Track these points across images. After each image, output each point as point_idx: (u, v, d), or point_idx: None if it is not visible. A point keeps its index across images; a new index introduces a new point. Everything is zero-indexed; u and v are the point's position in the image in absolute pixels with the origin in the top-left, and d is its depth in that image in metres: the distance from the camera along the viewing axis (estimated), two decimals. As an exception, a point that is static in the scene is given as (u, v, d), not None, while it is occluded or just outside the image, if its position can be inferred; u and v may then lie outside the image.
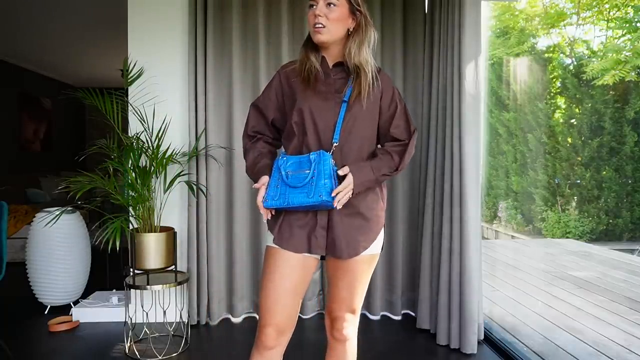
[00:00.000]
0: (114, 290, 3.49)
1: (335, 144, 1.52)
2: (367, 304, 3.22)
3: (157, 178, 2.87)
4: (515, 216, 8.59)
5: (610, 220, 7.71)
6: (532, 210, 8.31)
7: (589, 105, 7.74)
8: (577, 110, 8.01)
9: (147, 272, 2.74)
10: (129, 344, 2.73)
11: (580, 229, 7.69)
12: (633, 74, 7.12)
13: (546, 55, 8.46)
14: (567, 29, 8.38)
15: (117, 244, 2.47)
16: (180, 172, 2.93)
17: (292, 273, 1.54)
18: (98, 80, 7.76)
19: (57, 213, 3.02)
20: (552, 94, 8.37)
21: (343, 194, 1.47)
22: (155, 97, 3.05)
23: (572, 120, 8.08)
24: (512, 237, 8.29)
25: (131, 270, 2.73)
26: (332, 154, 1.51)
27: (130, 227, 2.78)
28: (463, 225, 2.63)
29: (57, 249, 3.23)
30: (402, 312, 3.29)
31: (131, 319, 2.81)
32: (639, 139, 7.48)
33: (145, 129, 2.88)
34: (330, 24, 1.51)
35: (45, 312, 3.30)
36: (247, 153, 1.68)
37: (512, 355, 2.67)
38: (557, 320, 3.61)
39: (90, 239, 3.48)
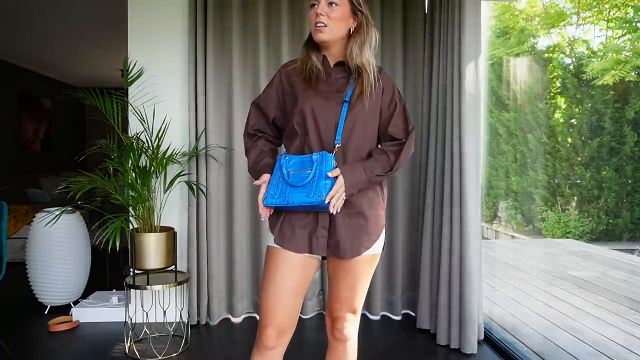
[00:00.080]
0: (114, 290, 3.49)
1: (337, 145, 1.52)
2: (367, 304, 3.22)
3: (157, 178, 2.87)
4: (515, 216, 8.59)
5: (610, 220, 7.71)
6: (532, 210, 8.31)
7: (589, 105, 7.74)
8: (577, 110, 8.01)
9: (147, 272, 2.74)
10: (129, 344, 2.73)
11: (580, 229, 7.69)
12: (633, 74, 7.12)
13: (546, 55, 8.46)
14: (567, 29, 8.38)
15: (117, 244, 2.47)
16: (180, 172, 2.93)
17: (293, 273, 1.54)
18: (98, 80, 7.76)
19: (57, 213, 3.02)
20: (552, 94, 8.37)
21: (336, 198, 1.47)
22: (155, 97, 3.05)
23: (572, 120, 8.08)
24: (512, 237, 8.29)
25: (131, 270, 2.73)
26: (334, 155, 1.50)
27: (130, 227, 2.78)
28: (463, 225, 2.63)
29: (57, 249, 3.23)
30: (402, 312, 3.29)
31: (131, 319, 2.81)
32: (639, 139, 7.48)
33: (145, 129, 2.88)
34: (332, 23, 1.51)
35: (45, 312, 3.30)
36: (248, 152, 1.69)
37: (512, 355, 2.67)
38: (557, 320, 3.61)
39: (90, 239, 3.48)
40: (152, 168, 2.80)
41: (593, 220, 7.73)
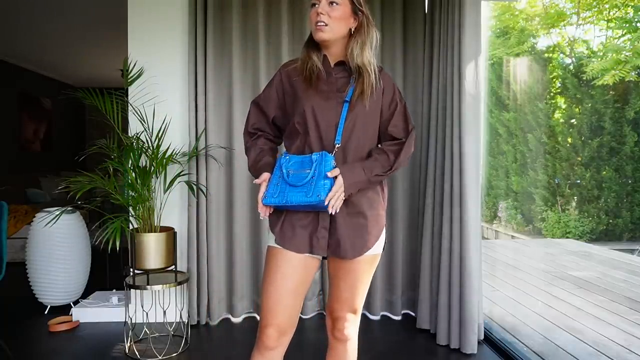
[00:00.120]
0: (114, 290, 3.49)
1: (337, 145, 1.52)
2: (367, 304, 3.22)
3: (157, 178, 2.87)
4: (515, 216, 8.59)
5: (610, 220, 7.71)
6: (532, 210, 8.31)
7: (589, 105, 7.74)
8: (577, 110, 8.02)
9: (147, 272, 2.74)
10: (129, 344, 2.73)
11: (580, 229, 7.69)
12: (633, 74, 7.13)
13: (546, 55, 8.46)
14: (567, 29, 8.38)
15: (117, 244, 2.47)
16: (180, 172, 2.93)
17: (294, 273, 1.54)
18: (98, 80, 7.76)
19: (57, 213, 3.02)
20: (552, 94, 8.37)
21: (335, 198, 1.46)
22: (155, 97, 3.05)
23: (572, 120, 8.08)
24: (512, 237, 8.29)
25: (131, 270, 2.73)
26: (334, 155, 1.50)
27: (130, 227, 2.78)
28: (463, 225, 2.63)
29: (57, 249, 3.23)
30: (402, 312, 3.29)
31: (131, 319, 2.81)
32: (639, 139, 7.48)
33: (145, 129, 2.88)
34: (332, 22, 1.51)
35: (45, 312, 3.30)
36: (248, 150, 1.69)
37: (512, 355, 2.67)
38: (557, 320, 3.61)
39: (90, 239, 3.48)
40: (152, 168, 2.80)
41: (593, 220, 7.73)
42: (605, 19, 7.98)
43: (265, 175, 1.56)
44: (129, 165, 2.77)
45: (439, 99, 2.85)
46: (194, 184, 3.00)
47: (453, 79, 2.68)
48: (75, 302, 3.34)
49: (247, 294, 3.25)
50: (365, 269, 1.61)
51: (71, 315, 3.17)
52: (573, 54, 8.27)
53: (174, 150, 2.96)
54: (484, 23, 2.73)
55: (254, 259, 3.22)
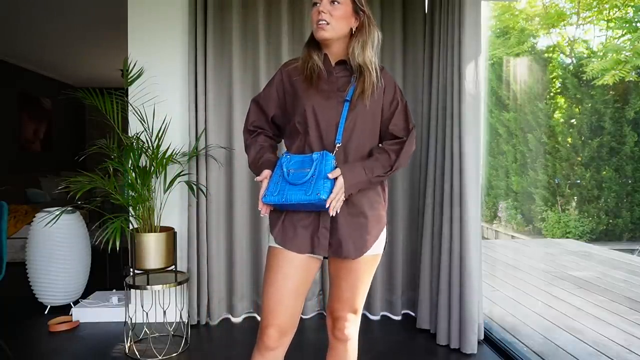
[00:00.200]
0: (114, 290, 3.49)
1: (338, 145, 1.52)
2: (367, 304, 3.22)
3: (157, 178, 2.87)
4: (515, 216, 8.59)
5: (610, 220, 7.71)
6: (532, 210, 8.31)
7: (589, 105, 7.74)
8: (577, 110, 8.02)
9: (147, 272, 2.74)
10: (129, 344, 2.73)
11: (580, 229, 7.69)
12: (633, 74, 7.13)
13: (546, 55, 8.46)
14: (567, 29, 8.38)
15: (117, 244, 2.47)
16: (180, 172, 2.93)
17: (295, 274, 1.54)
18: (98, 80, 7.76)
19: (57, 213, 3.02)
20: (552, 94, 8.37)
21: (336, 200, 1.46)
22: (155, 97, 3.05)
23: (572, 120, 8.08)
24: (512, 237, 8.29)
25: (131, 270, 2.73)
26: (334, 154, 1.50)
27: (130, 227, 2.78)
28: (463, 225, 2.63)
29: (57, 249, 3.23)
30: (402, 312, 3.29)
31: (131, 319, 2.81)
32: (639, 139, 7.48)
33: (145, 129, 2.88)
34: (334, 21, 1.52)
35: (45, 312, 3.30)
36: (248, 148, 1.69)
37: (512, 355, 2.67)
38: (557, 320, 3.61)
39: (90, 239, 3.48)
40: (152, 168, 2.80)
41: (593, 220, 7.73)
42: (605, 19, 7.98)
43: (267, 173, 1.56)
44: (129, 165, 2.77)
45: (439, 99, 2.85)
46: (194, 184, 3.00)
47: (453, 79, 2.68)
48: (75, 302, 3.34)
49: (247, 294, 3.25)
50: (366, 269, 1.61)
51: (71, 315, 3.17)
52: (573, 54, 8.28)
53: (174, 150, 2.96)
54: (484, 23, 2.73)
55: (254, 259, 3.22)
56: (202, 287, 3.10)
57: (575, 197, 8.02)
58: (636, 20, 7.63)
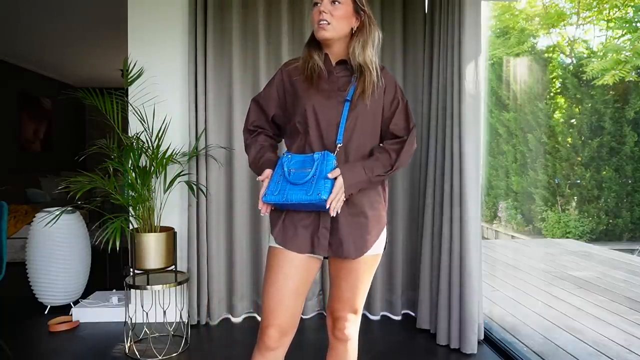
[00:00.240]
0: (114, 290, 3.49)
1: (339, 145, 1.52)
2: (367, 304, 3.22)
3: (157, 178, 2.87)
4: (515, 216, 8.59)
5: (610, 220, 7.72)
6: (532, 210, 8.31)
7: (589, 105, 7.74)
8: (577, 110, 8.02)
9: (147, 272, 2.74)
10: (129, 344, 2.73)
11: (580, 229, 7.69)
12: (633, 74, 7.13)
13: (546, 55, 8.46)
14: (567, 29, 8.39)
15: (117, 244, 2.47)
16: (180, 172, 2.93)
17: (296, 274, 1.53)
18: (98, 80, 7.76)
19: (57, 213, 3.02)
20: (552, 94, 8.37)
21: (336, 200, 1.46)
22: (155, 97, 3.05)
23: (572, 120, 8.08)
24: (512, 237, 8.29)
25: (131, 270, 2.73)
26: (335, 155, 1.50)
27: (130, 227, 2.78)
28: (463, 225, 2.63)
29: (57, 249, 3.23)
30: (402, 312, 3.29)
31: (131, 319, 2.81)
32: (639, 139, 7.48)
33: (145, 129, 2.88)
34: (335, 21, 1.52)
35: (45, 312, 3.30)
36: (248, 148, 1.69)
37: (512, 355, 2.67)
38: (557, 320, 3.61)
39: (90, 239, 3.48)
40: (152, 168, 2.80)
41: (593, 220, 7.73)
42: (605, 19, 7.98)
43: (268, 172, 1.56)
44: (129, 165, 2.77)
45: (439, 99, 2.85)
46: (194, 184, 3.00)
47: (453, 79, 2.68)
48: (75, 302, 3.34)
49: (247, 294, 3.25)
50: (366, 269, 1.61)
51: (71, 315, 3.17)
52: (573, 54, 8.28)
53: (174, 150, 2.96)
54: (484, 23, 2.73)
55: (254, 259, 3.22)
56: (202, 287, 3.10)
57: (575, 197, 8.03)
58: (636, 20, 7.63)
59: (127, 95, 2.95)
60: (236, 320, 3.21)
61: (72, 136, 8.39)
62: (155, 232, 2.73)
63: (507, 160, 8.57)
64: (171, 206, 3.04)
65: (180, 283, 2.74)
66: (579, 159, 7.83)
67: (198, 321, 3.12)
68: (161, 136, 2.86)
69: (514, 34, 8.32)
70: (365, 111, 1.54)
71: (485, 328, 2.87)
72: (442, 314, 2.76)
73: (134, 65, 3.00)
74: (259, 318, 3.15)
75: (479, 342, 2.72)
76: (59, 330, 3.00)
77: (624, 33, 7.78)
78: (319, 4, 1.53)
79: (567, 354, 2.99)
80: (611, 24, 7.94)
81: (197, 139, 3.03)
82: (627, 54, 7.25)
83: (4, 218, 2.55)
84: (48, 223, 3.08)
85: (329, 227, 1.54)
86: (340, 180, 1.47)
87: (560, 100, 8.34)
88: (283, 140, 1.72)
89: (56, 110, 7.65)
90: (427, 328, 2.96)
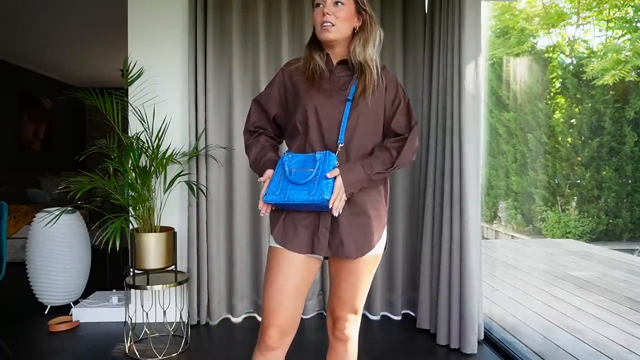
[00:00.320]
0: (114, 290, 3.49)
1: (340, 145, 1.52)
2: (367, 304, 3.21)
3: (157, 178, 2.87)
4: (515, 216, 8.59)
5: (610, 220, 7.71)
6: (532, 210, 8.31)
7: (589, 105, 7.74)
8: (577, 110, 8.02)
9: (147, 272, 2.74)
10: (129, 344, 2.73)
11: (580, 229, 7.69)
12: (633, 74, 7.13)
13: (546, 55, 8.46)
14: (567, 29, 8.39)
15: (117, 244, 2.47)
16: (180, 172, 2.93)
17: (296, 274, 1.53)
18: (98, 80, 7.76)
19: (57, 213, 3.02)
20: (552, 94, 8.37)
21: (338, 200, 1.46)
22: (155, 97, 3.05)
23: (572, 120, 8.08)
24: (512, 237, 8.29)
25: (131, 270, 2.73)
26: (337, 154, 1.50)
27: (130, 227, 2.78)
28: (463, 225, 2.63)
29: (57, 249, 3.23)
30: (402, 312, 3.29)
31: (131, 319, 2.81)
32: (639, 139, 7.48)
33: (145, 129, 2.88)
34: (339, 22, 1.52)
35: (45, 312, 3.30)
36: (249, 148, 1.68)
37: (512, 355, 2.67)
38: (557, 320, 3.61)
39: (90, 239, 3.48)
40: (152, 168, 2.80)
41: (593, 220, 7.73)
42: (605, 19, 7.98)
43: (269, 172, 1.55)
44: (129, 165, 2.77)
45: (439, 99, 2.85)
46: (194, 184, 3.00)
47: (453, 79, 2.68)
48: (75, 302, 3.34)
49: (247, 294, 3.25)
50: (366, 269, 1.61)
51: (71, 315, 3.17)
52: (573, 54, 8.28)
53: (174, 150, 2.96)
54: (484, 23, 2.73)
55: (254, 259, 3.22)
56: (202, 287, 3.10)
57: (575, 197, 8.02)
58: (636, 20, 7.63)
59: (127, 95, 2.96)
60: (236, 320, 3.21)
61: (72, 136, 8.39)
62: (155, 232, 2.73)
63: (507, 160, 8.57)
64: (171, 206, 3.04)
65: (180, 283, 2.74)
66: (579, 159, 7.83)
67: (198, 321, 3.12)
68: (161, 136, 2.86)
69: (514, 34, 8.32)
70: (366, 110, 1.54)
71: (485, 328, 2.87)
72: (442, 314, 2.76)
73: (134, 65, 3.00)
74: (259, 318, 3.16)
75: (479, 342, 2.72)
76: (59, 330, 3.00)
77: (624, 33, 7.78)
78: (321, 5, 1.52)
79: (567, 354, 2.99)
80: (611, 24, 7.94)
81: (197, 139, 3.03)
82: (627, 53, 7.25)
83: (4, 218, 2.55)
84: (48, 223, 3.08)
85: (329, 227, 1.54)
86: (339, 180, 1.47)
87: (560, 100, 8.34)
88: (284, 141, 1.72)
89: (56, 110, 7.65)
90: (427, 328, 2.96)
